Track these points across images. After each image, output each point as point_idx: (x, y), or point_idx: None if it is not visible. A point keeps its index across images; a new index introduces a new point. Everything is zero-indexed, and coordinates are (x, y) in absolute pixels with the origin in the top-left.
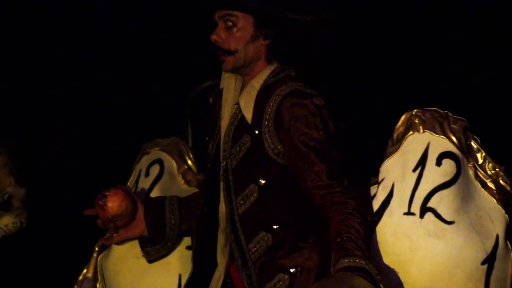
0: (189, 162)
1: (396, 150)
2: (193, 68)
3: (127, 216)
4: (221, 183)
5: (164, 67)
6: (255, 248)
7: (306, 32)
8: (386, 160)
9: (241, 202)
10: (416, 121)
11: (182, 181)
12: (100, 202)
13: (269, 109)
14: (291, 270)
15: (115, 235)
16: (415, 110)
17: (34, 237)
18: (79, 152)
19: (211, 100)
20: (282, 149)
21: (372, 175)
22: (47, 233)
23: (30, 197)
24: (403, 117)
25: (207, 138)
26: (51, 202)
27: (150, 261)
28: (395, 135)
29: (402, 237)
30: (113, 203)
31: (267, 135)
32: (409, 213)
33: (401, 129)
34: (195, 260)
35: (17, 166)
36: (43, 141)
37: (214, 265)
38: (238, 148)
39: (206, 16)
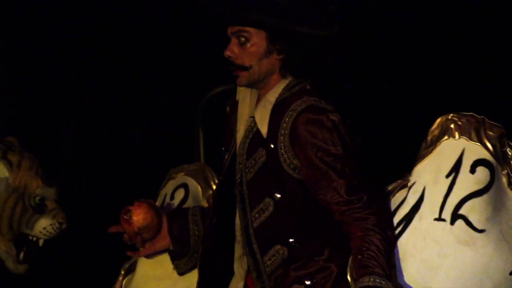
0: (214, 187)
1: (429, 153)
2: (204, 73)
3: (153, 227)
4: (236, 196)
5: (176, 73)
6: (270, 261)
7: (320, 46)
8: (419, 162)
9: (256, 215)
10: (452, 126)
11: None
12: (125, 216)
13: (284, 124)
14: (307, 282)
15: (142, 249)
16: (451, 115)
17: (61, 259)
18: (99, 172)
19: (228, 109)
20: (298, 164)
21: (400, 177)
22: (72, 255)
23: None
24: (438, 120)
25: (223, 148)
26: (76, 225)
27: (180, 273)
28: (429, 138)
29: (431, 243)
30: (138, 216)
31: (282, 150)
32: (439, 219)
33: (436, 132)
34: (201, 269)
35: (42, 167)
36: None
37: (223, 274)
38: (253, 162)
39: (216, 23)
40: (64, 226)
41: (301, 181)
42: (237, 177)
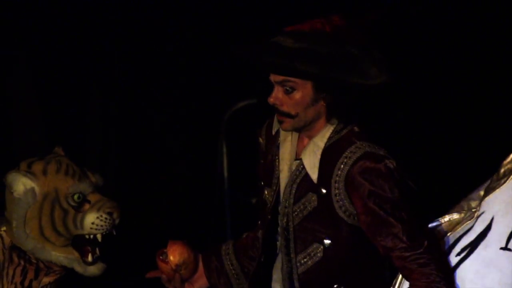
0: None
1: (501, 185)
2: (228, 88)
3: (190, 264)
4: (280, 240)
5: (199, 87)
6: None
7: (370, 92)
8: (490, 194)
9: (302, 261)
10: None
11: None
12: (160, 257)
13: (339, 171)
14: None
15: None
16: None
17: None
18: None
19: (261, 140)
20: (353, 211)
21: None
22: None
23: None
24: None
25: (262, 183)
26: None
27: None
28: (501, 171)
29: (494, 271)
30: (174, 252)
31: (337, 197)
32: (506, 248)
33: (509, 165)
34: None
35: (73, 166)
36: None
37: None
38: (302, 206)
39: (239, 38)
40: (115, 215)
41: (354, 227)
42: (283, 221)
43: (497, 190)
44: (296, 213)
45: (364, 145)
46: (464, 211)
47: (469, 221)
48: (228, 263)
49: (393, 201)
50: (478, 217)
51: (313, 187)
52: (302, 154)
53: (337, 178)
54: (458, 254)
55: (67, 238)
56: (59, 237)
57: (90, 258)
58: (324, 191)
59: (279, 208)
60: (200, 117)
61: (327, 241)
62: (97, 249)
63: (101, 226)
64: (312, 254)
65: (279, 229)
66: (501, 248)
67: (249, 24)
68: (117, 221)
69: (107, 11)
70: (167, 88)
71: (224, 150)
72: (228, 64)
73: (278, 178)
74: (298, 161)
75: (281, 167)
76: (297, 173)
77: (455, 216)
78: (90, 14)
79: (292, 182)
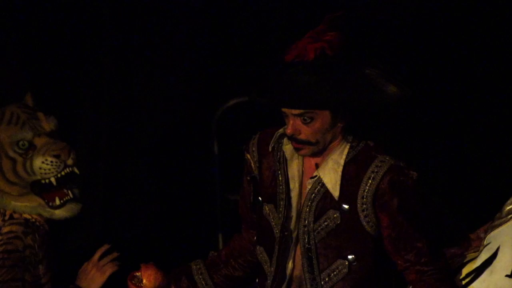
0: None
1: (506, 221)
2: (218, 86)
3: (164, 287)
4: (302, 259)
5: (190, 86)
6: None
7: (388, 109)
8: (495, 229)
9: (326, 278)
10: None
11: None
12: (132, 281)
13: (367, 187)
14: None
15: None
16: None
17: None
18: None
19: (249, 156)
20: (379, 225)
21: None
22: None
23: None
24: None
25: (259, 198)
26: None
27: None
28: (505, 210)
29: None
30: (150, 277)
31: (365, 212)
32: (511, 276)
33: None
34: None
35: (18, 114)
36: None
37: None
38: (324, 224)
39: (232, 37)
40: (63, 156)
41: (379, 241)
42: (304, 240)
43: (504, 225)
44: (317, 231)
45: (387, 158)
46: (464, 247)
47: (475, 253)
48: (203, 282)
49: (419, 214)
50: (484, 246)
51: (334, 204)
52: (320, 171)
53: (365, 194)
54: (463, 279)
55: (22, 186)
56: (13, 186)
57: (57, 202)
58: (346, 207)
59: (297, 226)
60: (191, 115)
61: (351, 256)
62: (69, 191)
63: (49, 169)
64: (336, 271)
65: (299, 248)
66: (506, 276)
67: (241, 23)
68: (69, 162)
69: (101, 6)
70: (157, 86)
71: (216, 148)
72: (219, 62)
73: (286, 195)
74: (313, 179)
75: (292, 186)
76: (315, 191)
77: (456, 248)
78: (84, 9)
79: (310, 201)
